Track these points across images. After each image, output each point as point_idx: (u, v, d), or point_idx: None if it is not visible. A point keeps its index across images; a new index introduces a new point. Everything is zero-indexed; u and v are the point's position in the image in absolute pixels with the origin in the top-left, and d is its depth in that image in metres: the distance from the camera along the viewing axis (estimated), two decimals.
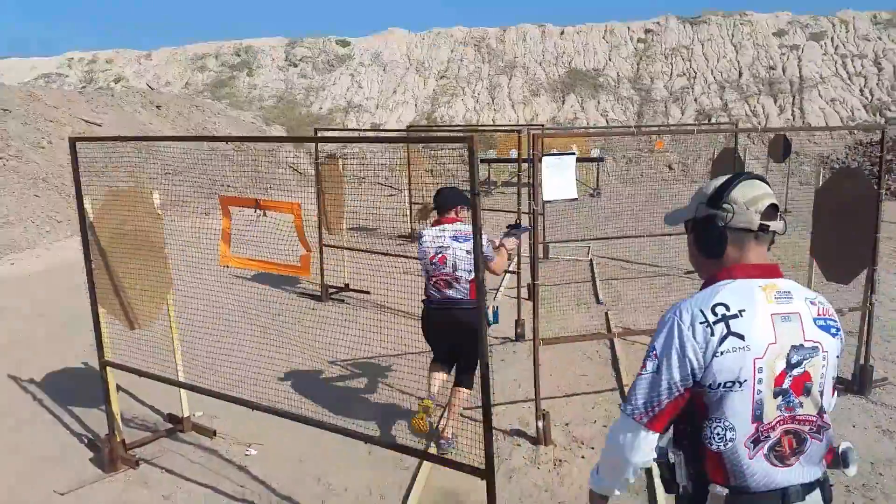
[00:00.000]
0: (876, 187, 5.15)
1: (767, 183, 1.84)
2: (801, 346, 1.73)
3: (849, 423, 4.90)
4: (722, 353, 1.68)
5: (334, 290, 8.27)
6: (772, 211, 1.79)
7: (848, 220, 5.22)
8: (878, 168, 5.30)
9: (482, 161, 19.61)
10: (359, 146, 21.47)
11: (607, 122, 24.56)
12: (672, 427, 1.81)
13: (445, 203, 4.38)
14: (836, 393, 1.89)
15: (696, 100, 24.87)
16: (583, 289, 8.58)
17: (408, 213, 12.30)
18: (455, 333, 4.27)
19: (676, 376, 1.71)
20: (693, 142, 22.26)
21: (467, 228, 4.21)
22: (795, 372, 1.72)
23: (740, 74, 25.51)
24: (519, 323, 6.57)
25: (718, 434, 1.72)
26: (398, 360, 6.05)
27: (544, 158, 4.77)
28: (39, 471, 4.24)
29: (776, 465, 1.74)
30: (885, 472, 4.24)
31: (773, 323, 1.71)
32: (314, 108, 25.50)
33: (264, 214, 3.53)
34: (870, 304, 5.25)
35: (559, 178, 4.75)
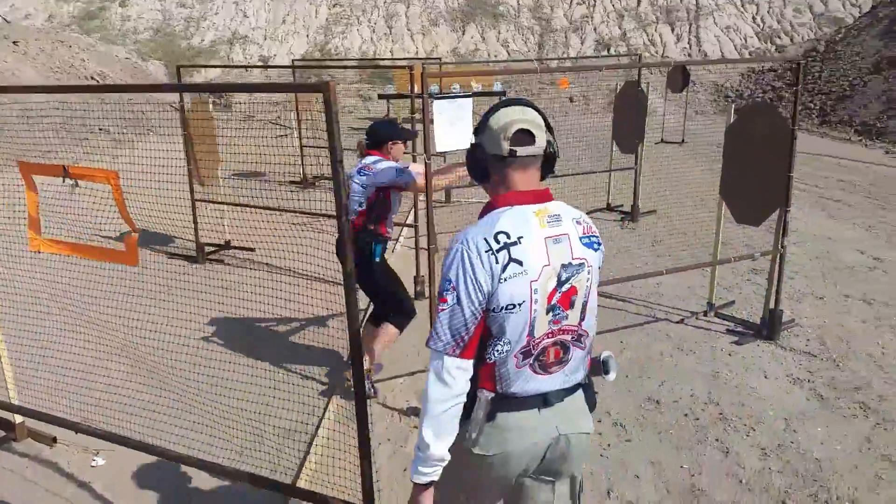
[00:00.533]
0: (790, 125, 4.84)
1: (533, 107, 1.94)
2: (570, 263, 1.88)
3: (760, 372, 4.71)
4: (505, 280, 1.81)
5: (213, 248, 7.45)
6: (522, 136, 1.88)
7: (759, 159, 4.91)
8: (791, 103, 5.19)
9: (381, 97, 18.65)
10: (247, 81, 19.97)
11: (508, 53, 23.95)
12: None
13: (372, 138, 4.35)
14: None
15: (595, 29, 24.57)
16: None
17: (299, 157, 11.42)
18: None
19: (476, 303, 1.81)
20: (595, 73, 22.00)
21: (373, 161, 4.23)
22: (564, 288, 1.88)
23: (639, 2, 25.32)
24: (418, 280, 6.03)
25: (498, 350, 1.86)
26: (290, 332, 5.42)
27: (436, 103, 4.13)
28: None
29: (538, 374, 1.91)
30: (798, 429, 4.05)
31: (546, 246, 1.86)
32: (195, 40, 23.53)
33: (76, 185, 2.77)
34: (781, 246, 5.01)
35: (453, 126, 4.13)
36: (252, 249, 7.38)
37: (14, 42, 19.19)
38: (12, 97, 13.63)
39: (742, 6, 24.67)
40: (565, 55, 23.62)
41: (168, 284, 5.92)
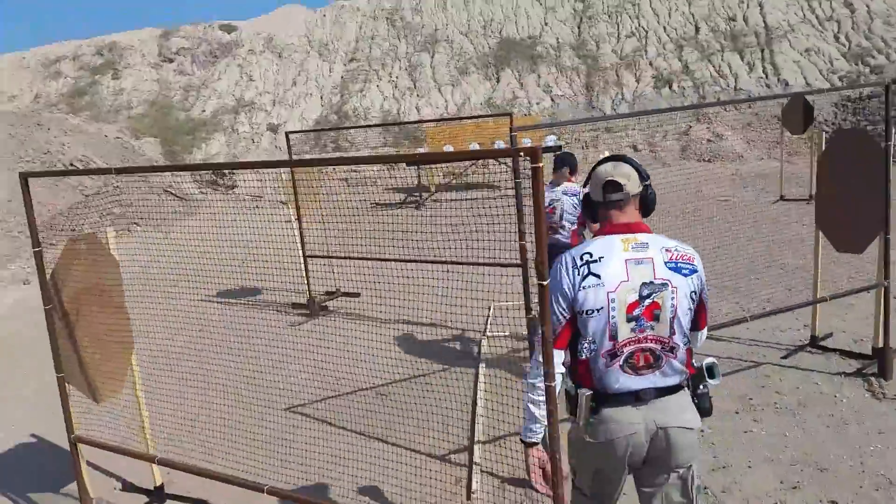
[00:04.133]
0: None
1: (627, 161, 2.48)
2: (652, 282, 2.29)
3: None
4: (584, 288, 2.30)
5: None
6: (610, 186, 2.41)
7: (854, 183, 4.71)
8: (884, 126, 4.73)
9: (410, 164, 15.32)
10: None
11: (552, 98, 20.70)
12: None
13: (572, 163, 5.44)
14: (705, 326, 2.47)
15: (651, 63, 21.25)
16: None
17: (302, 268, 8.00)
18: None
19: (563, 305, 2.34)
20: (657, 116, 18.63)
21: (576, 187, 5.33)
22: (646, 302, 2.29)
23: (697, 30, 22.00)
24: None
25: (586, 348, 2.34)
26: None
27: None
28: None
29: (629, 374, 2.32)
30: None
31: (626, 266, 2.30)
32: (195, 110, 20.70)
33: None
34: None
35: None
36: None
37: None
38: None
39: (820, 25, 21.18)
40: (619, 96, 20.31)
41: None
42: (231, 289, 8.55)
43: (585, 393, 2.31)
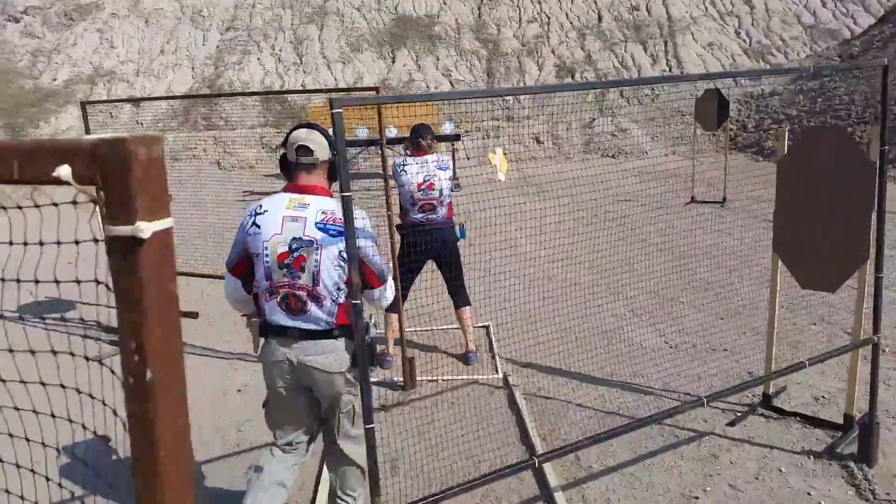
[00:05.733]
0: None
1: (321, 130, 2.80)
2: (301, 238, 2.65)
3: None
4: (250, 235, 2.71)
5: None
6: (302, 150, 2.73)
7: (830, 199, 3.59)
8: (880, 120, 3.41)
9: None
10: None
11: (451, 82, 19.33)
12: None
13: (424, 135, 4.89)
14: (378, 286, 2.79)
15: (553, 51, 20.25)
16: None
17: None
18: (440, 251, 4.86)
19: (239, 244, 2.75)
20: (560, 106, 17.64)
21: (446, 158, 5.11)
22: (295, 255, 2.65)
23: (600, 18, 21.19)
24: None
25: (255, 285, 2.74)
26: None
27: None
28: None
29: (283, 312, 2.68)
30: None
31: (282, 221, 2.66)
32: (44, 79, 17.96)
33: None
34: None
35: None
36: None
37: None
38: None
39: (721, 19, 20.85)
40: (521, 84, 19.20)
41: None
42: (40, 301, 6.70)
43: (256, 320, 2.76)
